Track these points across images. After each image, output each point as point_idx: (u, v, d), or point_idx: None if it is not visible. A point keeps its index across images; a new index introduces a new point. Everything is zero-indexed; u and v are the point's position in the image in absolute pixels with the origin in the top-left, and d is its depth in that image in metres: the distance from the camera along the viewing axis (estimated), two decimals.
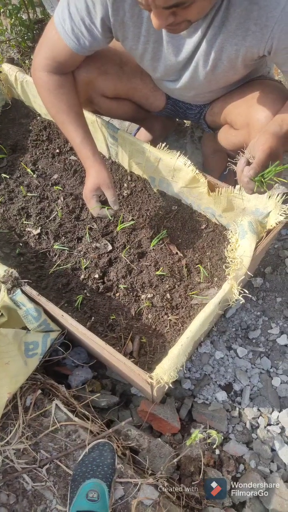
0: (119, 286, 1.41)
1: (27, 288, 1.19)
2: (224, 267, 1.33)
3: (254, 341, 1.57)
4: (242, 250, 1.21)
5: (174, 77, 1.32)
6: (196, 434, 1.25)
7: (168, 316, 1.38)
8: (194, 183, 1.39)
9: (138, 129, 1.87)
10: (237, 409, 1.46)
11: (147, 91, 1.52)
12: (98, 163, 1.35)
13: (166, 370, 1.05)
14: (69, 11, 1.14)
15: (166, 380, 1.04)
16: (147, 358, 1.30)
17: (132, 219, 1.53)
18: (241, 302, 1.15)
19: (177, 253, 1.49)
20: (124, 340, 1.32)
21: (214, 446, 1.33)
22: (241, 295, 1.16)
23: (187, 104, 1.54)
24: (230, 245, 1.24)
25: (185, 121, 1.94)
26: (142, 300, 1.41)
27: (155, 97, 1.54)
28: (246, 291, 1.17)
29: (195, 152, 1.85)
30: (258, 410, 1.45)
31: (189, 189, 1.43)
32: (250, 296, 1.35)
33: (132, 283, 1.43)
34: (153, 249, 1.48)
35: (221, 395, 1.46)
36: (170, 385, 1.05)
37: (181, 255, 1.48)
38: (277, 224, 1.25)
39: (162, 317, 1.38)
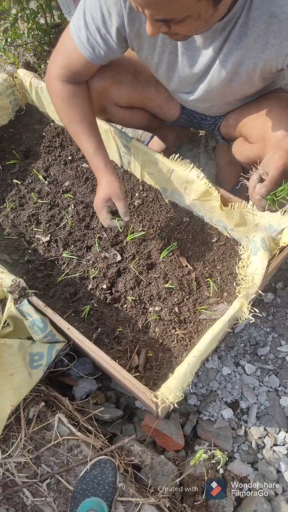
0: (127, 297, 1.39)
1: (34, 299, 1.18)
2: (234, 284, 1.30)
3: (262, 358, 1.54)
4: (253, 267, 1.18)
5: (189, 89, 1.30)
6: (200, 454, 1.22)
7: (176, 331, 1.36)
8: (207, 196, 1.37)
9: (152, 137, 1.85)
10: (243, 427, 1.42)
11: (161, 101, 1.50)
12: (109, 174, 1.34)
13: (172, 390, 1.03)
14: (85, 20, 1.13)
15: (171, 400, 1.02)
16: (153, 373, 1.28)
17: (143, 230, 1.51)
18: (251, 321, 1.13)
19: (186, 265, 1.46)
20: (130, 354, 1.30)
21: (219, 466, 1.30)
22: (251, 314, 1.14)
23: (201, 114, 1.52)
24: (242, 262, 1.22)
25: (200, 131, 1.92)
26: (150, 312, 1.39)
27: (169, 106, 1.53)
28: (257, 310, 1.14)
29: (209, 162, 1.82)
30: (265, 429, 1.42)
31: (201, 201, 1.41)
32: (260, 314, 1.32)
33: (140, 295, 1.41)
34: (162, 261, 1.46)
35: (227, 413, 1.43)
36: (176, 405, 1.03)
37: (191, 268, 1.46)
38: None
39: (169, 331, 1.36)
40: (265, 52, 1.07)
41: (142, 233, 1.48)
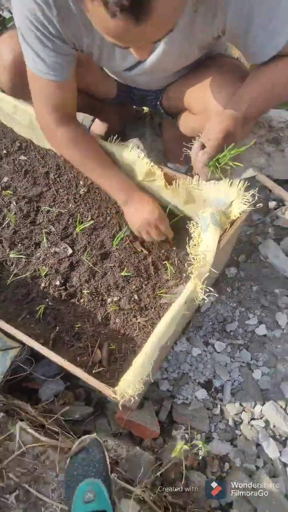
0: (83, 291, 1.34)
1: None
2: (186, 264, 1.25)
3: (232, 334, 1.51)
4: (205, 245, 1.13)
5: (127, 67, 1.23)
6: (181, 446, 1.20)
7: (137, 319, 1.31)
8: (151, 176, 1.30)
9: (93, 120, 1.76)
10: (219, 406, 1.40)
11: (95, 78, 1.42)
12: (145, 193, 1.34)
13: (130, 383, 0.98)
14: (32, 49, 1.08)
15: (130, 393, 0.98)
16: (117, 366, 1.24)
17: (92, 219, 1.44)
18: (205, 302, 1.08)
19: (142, 250, 1.41)
20: (92, 349, 1.25)
21: (200, 452, 1.27)
22: (207, 294, 1.09)
23: (142, 90, 1.44)
24: (193, 240, 1.16)
25: (143, 107, 1.84)
26: (109, 304, 1.33)
27: (103, 84, 1.44)
28: (212, 289, 1.09)
29: (156, 139, 1.75)
30: (241, 405, 1.40)
31: (148, 182, 1.34)
32: (215, 294, 1.28)
33: (97, 287, 1.35)
34: (116, 249, 1.40)
35: (201, 393, 1.41)
36: (136, 397, 0.98)
37: (146, 252, 1.40)
38: (241, 214, 1.17)
39: (130, 320, 1.31)
40: (196, 20, 1.00)
41: (91, 222, 1.42)
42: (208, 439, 1.35)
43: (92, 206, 1.46)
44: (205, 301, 1.08)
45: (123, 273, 1.35)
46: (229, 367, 1.45)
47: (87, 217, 1.45)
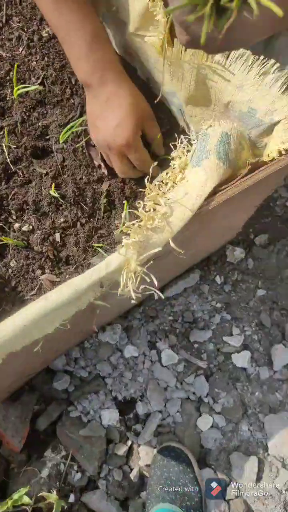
0: None
1: None
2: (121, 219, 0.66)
3: (196, 346, 0.96)
4: (182, 190, 0.53)
5: None
6: (21, 496, 0.72)
7: (44, 272, 0.77)
8: (147, 26, 0.65)
9: None
10: (129, 443, 0.90)
11: None
12: (127, 78, 0.71)
13: None
14: None
15: None
16: None
17: (43, 83, 0.84)
18: (132, 302, 0.51)
19: (100, 166, 0.82)
20: None
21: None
22: (145, 290, 0.52)
23: None
24: (167, 174, 0.57)
25: None
26: (13, 232, 0.79)
27: None
28: (155, 280, 0.51)
29: None
30: None
31: (139, 38, 0.70)
32: (161, 295, 0.73)
33: (5, 198, 0.79)
34: (62, 149, 0.82)
35: (111, 415, 0.90)
36: None
37: (106, 172, 0.81)
38: (284, 153, 0.55)
39: (33, 270, 0.77)
40: None
41: (40, 88, 0.82)
42: (90, 483, 0.87)
43: (51, 62, 0.85)
44: (132, 301, 0.51)
45: (54, 192, 0.78)
46: (169, 394, 0.92)
47: (37, 78, 0.84)
